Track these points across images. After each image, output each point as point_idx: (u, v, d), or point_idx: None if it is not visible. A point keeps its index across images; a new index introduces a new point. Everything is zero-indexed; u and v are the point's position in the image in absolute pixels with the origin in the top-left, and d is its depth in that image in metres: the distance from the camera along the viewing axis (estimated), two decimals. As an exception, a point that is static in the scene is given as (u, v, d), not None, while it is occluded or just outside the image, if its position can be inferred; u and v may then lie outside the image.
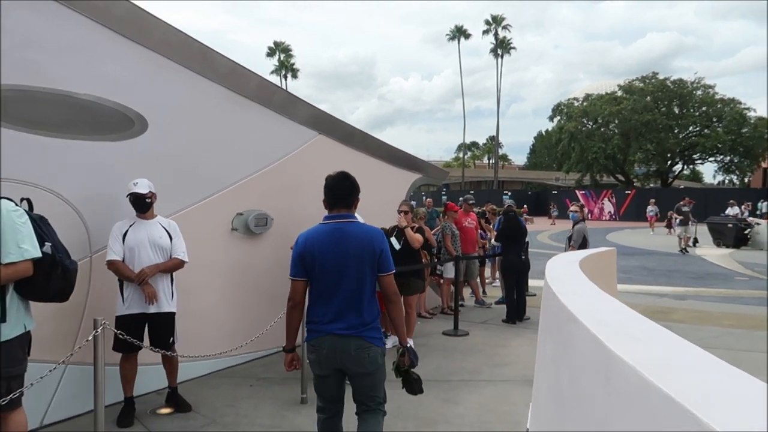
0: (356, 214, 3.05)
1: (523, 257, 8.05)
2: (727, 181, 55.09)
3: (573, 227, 7.99)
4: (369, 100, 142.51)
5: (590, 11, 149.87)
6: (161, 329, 4.06)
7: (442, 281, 8.65)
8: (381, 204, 6.44)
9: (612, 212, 40.32)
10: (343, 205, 2.96)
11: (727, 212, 20.07)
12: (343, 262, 2.83)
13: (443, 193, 44.82)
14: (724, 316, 8.31)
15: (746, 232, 18.63)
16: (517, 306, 7.82)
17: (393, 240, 6.23)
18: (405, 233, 6.26)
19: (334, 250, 2.85)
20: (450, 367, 5.57)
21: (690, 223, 19.46)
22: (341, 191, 2.96)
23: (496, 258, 9.67)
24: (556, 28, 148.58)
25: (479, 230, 9.54)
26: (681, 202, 19.21)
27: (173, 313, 4.13)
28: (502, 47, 58.01)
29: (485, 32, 57.98)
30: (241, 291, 5.38)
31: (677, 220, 19.16)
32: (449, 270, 8.34)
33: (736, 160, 43.87)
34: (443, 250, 8.62)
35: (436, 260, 8.74)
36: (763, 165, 44.29)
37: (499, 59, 58.26)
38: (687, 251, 17.53)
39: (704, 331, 7.12)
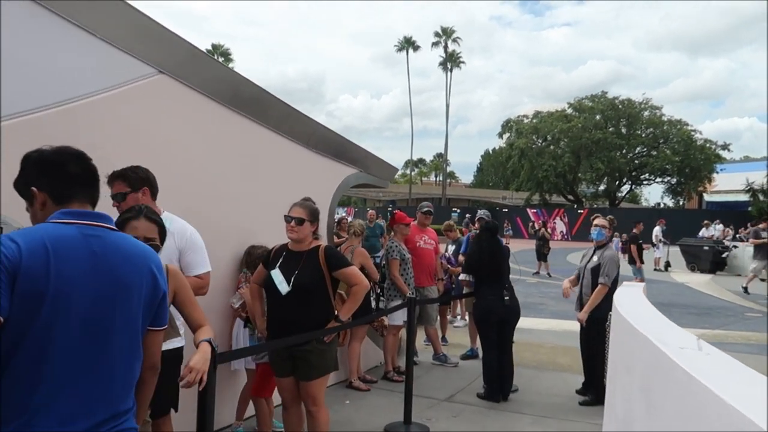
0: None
1: (507, 298, 5.22)
2: (662, 204, 55.15)
3: (596, 252, 5.14)
4: (317, 116, 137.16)
5: (534, 38, 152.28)
6: None
7: (386, 327, 5.79)
8: (283, 211, 3.50)
9: (564, 232, 38.78)
10: (88, 199, 1.59)
11: (701, 234, 18.28)
12: (111, 299, 1.49)
13: (389, 208, 42.28)
14: (783, 379, 5.85)
15: (723, 255, 16.80)
16: (500, 373, 5.06)
17: (275, 274, 3.21)
18: (330, 270, 3.25)
19: (94, 277, 1.46)
20: None
21: (663, 244, 17.50)
22: (81, 174, 1.58)
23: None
24: (502, 53, 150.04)
25: (441, 254, 6.77)
26: (761, 225, 13.57)
27: None
28: (451, 61, 56.47)
29: (435, 44, 56.35)
30: None
31: (754, 252, 13.02)
32: (397, 315, 5.51)
33: (683, 182, 43.53)
34: (388, 282, 5.80)
35: (378, 293, 5.92)
36: (708, 186, 44.22)
37: (449, 73, 56.70)
38: (748, 292, 12.43)
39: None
